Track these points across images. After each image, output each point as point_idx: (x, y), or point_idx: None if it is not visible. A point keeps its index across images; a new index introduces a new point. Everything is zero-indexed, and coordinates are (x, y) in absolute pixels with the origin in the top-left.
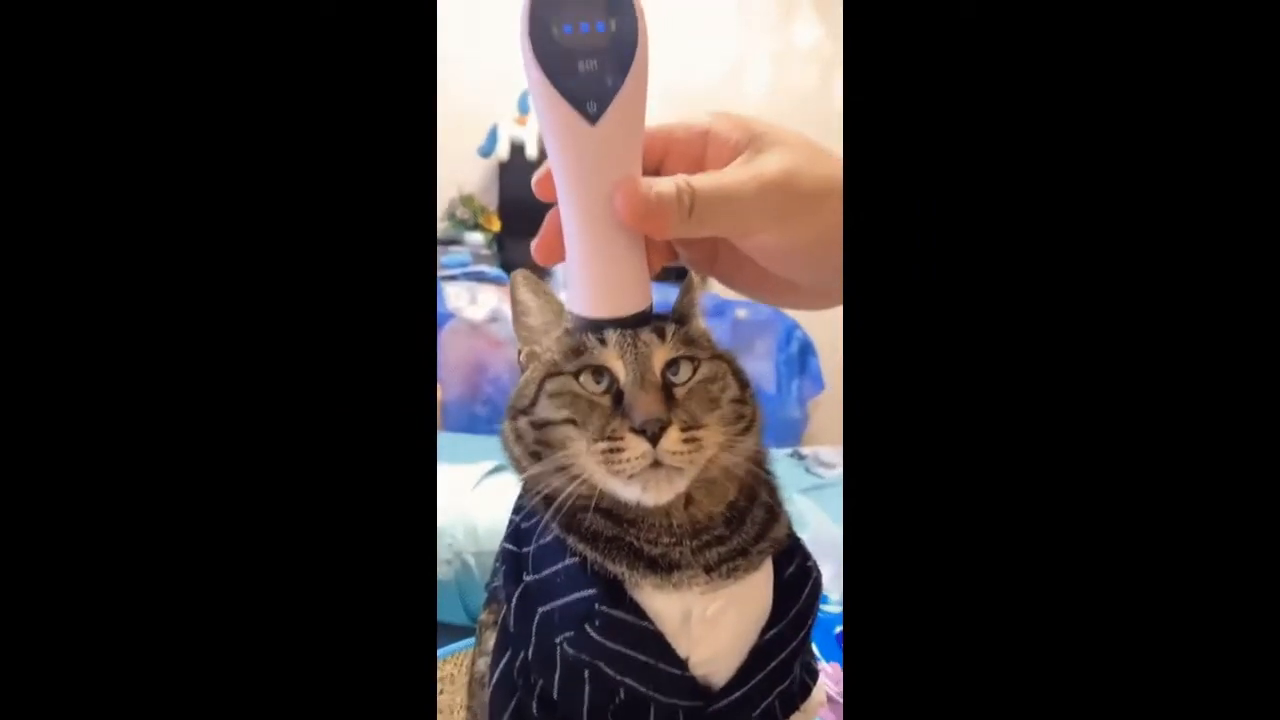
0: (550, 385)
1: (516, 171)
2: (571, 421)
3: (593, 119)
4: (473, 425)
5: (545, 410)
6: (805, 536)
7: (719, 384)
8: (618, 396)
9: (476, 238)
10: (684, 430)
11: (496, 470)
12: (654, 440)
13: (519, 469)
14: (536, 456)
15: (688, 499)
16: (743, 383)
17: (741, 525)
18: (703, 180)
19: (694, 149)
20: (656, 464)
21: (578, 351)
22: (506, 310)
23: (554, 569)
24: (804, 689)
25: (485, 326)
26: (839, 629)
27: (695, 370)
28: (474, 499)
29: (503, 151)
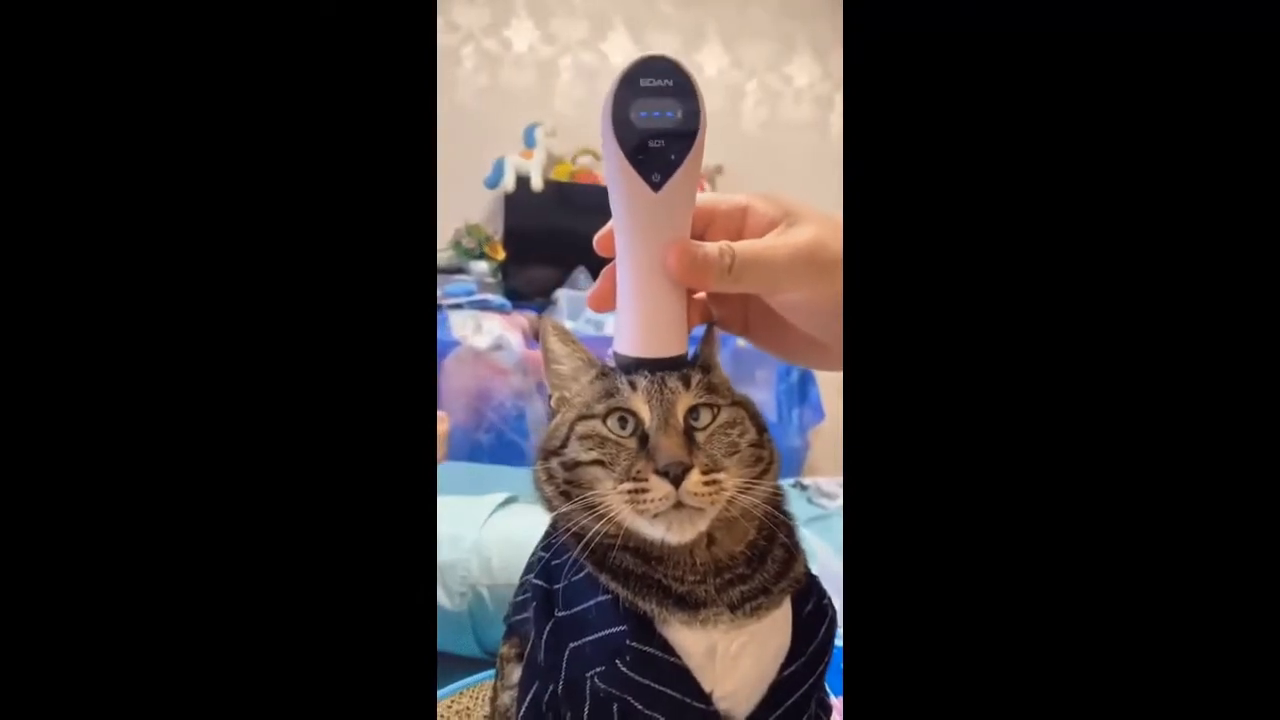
0: (580, 428)
1: (521, 202)
2: (600, 463)
3: (656, 187)
4: (475, 454)
5: (575, 451)
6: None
7: (738, 429)
8: (643, 439)
9: (481, 266)
10: (705, 473)
11: (508, 502)
12: (676, 482)
13: (550, 507)
14: (567, 496)
15: (710, 539)
16: (760, 426)
17: (763, 564)
18: (742, 245)
19: (734, 221)
20: (679, 505)
21: (608, 394)
22: (511, 338)
23: (586, 605)
24: (821, 708)
25: (489, 354)
26: None
27: (715, 416)
28: (487, 532)
29: (509, 183)
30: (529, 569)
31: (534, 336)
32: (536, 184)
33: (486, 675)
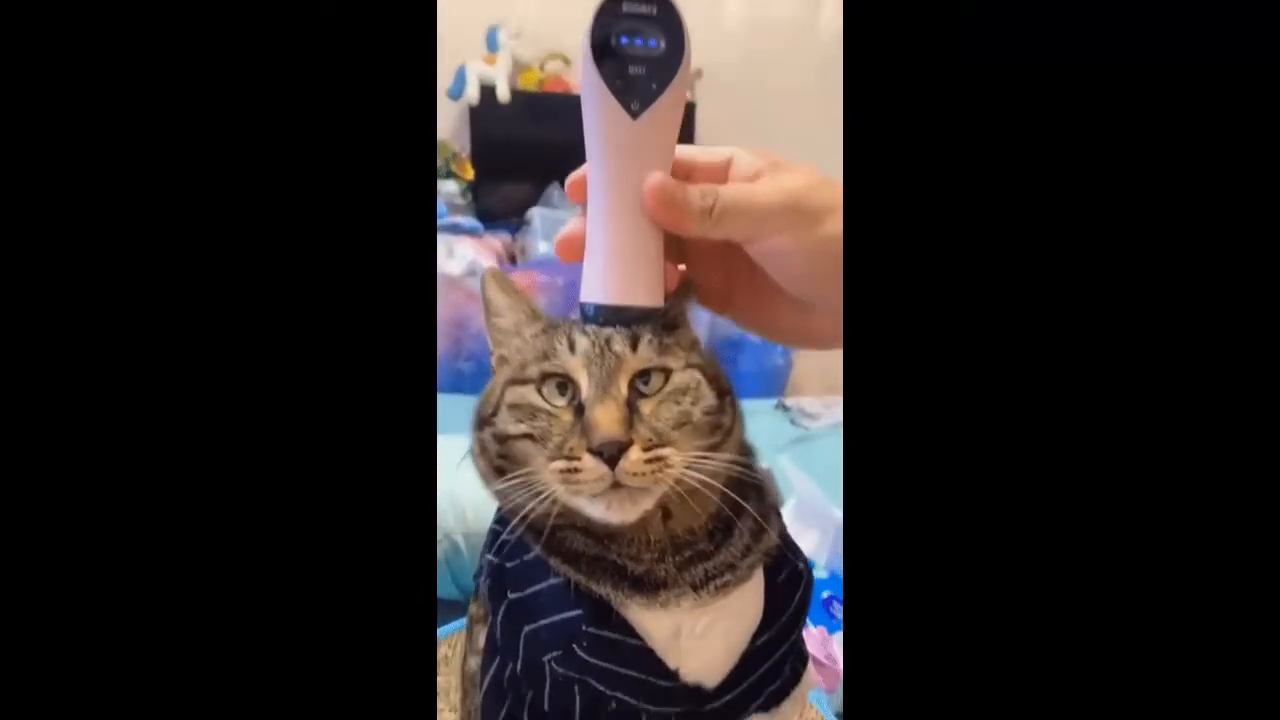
0: (510, 395)
1: (488, 115)
2: (530, 437)
3: (634, 115)
4: (458, 383)
5: (504, 422)
6: (790, 504)
7: (691, 395)
8: (579, 410)
9: (450, 187)
10: (647, 449)
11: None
12: (612, 462)
13: (486, 483)
14: (500, 472)
15: (665, 513)
16: (721, 390)
17: (728, 538)
18: (726, 187)
19: (716, 174)
20: (617, 484)
21: (545, 356)
22: (485, 264)
23: (537, 588)
24: (794, 677)
25: (463, 281)
26: (826, 594)
27: (666, 381)
28: (460, 479)
29: (472, 94)
30: (497, 522)
31: (509, 260)
32: (503, 94)
33: (460, 624)
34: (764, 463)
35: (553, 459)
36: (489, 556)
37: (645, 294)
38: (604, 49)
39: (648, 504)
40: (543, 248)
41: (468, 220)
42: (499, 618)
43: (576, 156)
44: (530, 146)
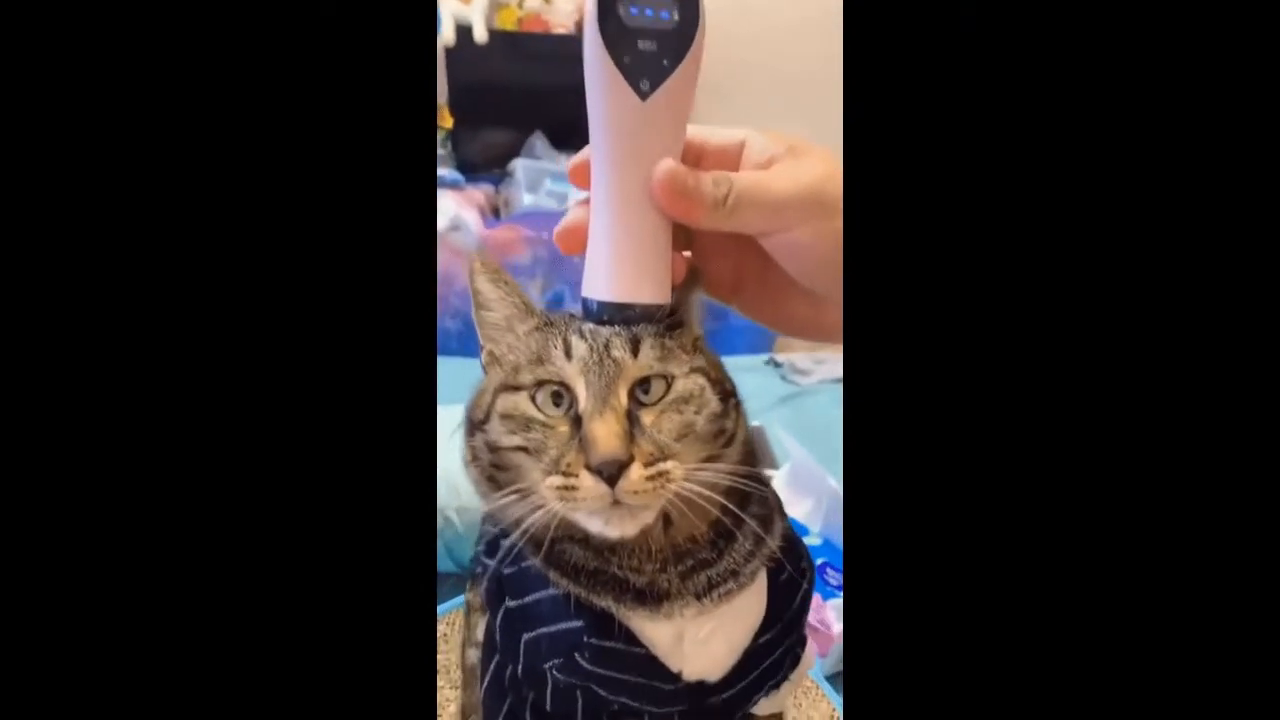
0: (502, 403)
1: (464, 58)
2: (524, 449)
3: (644, 96)
4: (445, 343)
5: (496, 432)
6: (784, 470)
7: (695, 403)
8: (576, 422)
9: None
10: (648, 465)
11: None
12: (612, 481)
13: (479, 493)
14: (494, 483)
15: (666, 520)
16: (725, 393)
17: (731, 544)
18: (741, 175)
19: (728, 158)
20: (618, 501)
21: (539, 360)
22: (467, 217)
23: (537, 597)
24: (794, 662)
25: (446, 236)
26: (820, 560)
27: (669, 388)
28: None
29: (447, 35)
30: (488, 522)
31: (491, 213)
32: (480, 35)
33: (459, 601)
34: (756, 421)
35: (549, 474)
36: (486, 560)
37: (652, 291)
38: (609, 19)
39: (648, 518)
40: (527, 200)
41: (449, 173)
42: (498, 621)
43: (559, 101)
44: (510, 90)
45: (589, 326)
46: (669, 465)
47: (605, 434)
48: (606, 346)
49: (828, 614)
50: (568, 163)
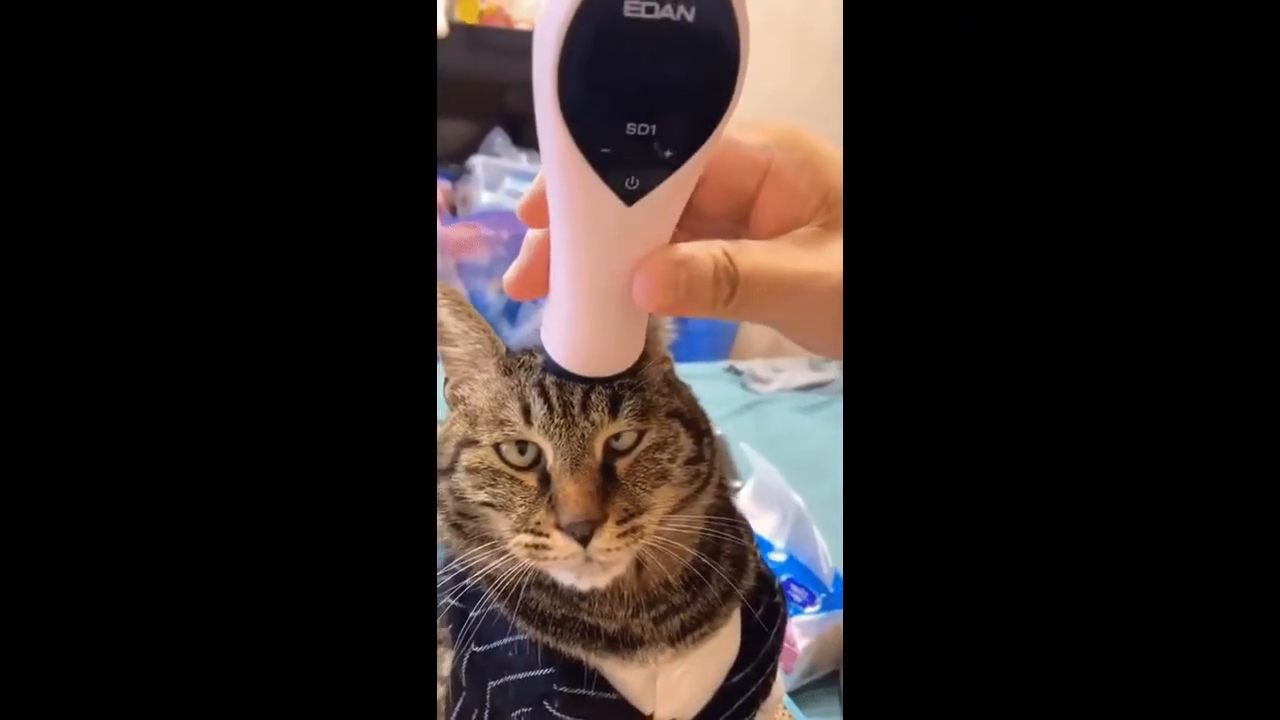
0: (467, 457)
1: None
2: (491, 505)
3: (629, 199)
4: None
5: (463, 483)
6: (749, 484)
7: (669, 450)
8: (544, 479)
9: None
10: (621, 523)
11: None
12: (584, 541)
13: (443, 540)
14: (459, 530)
15: (639, 565)
16: (699, 432)
17: (704, 586)
18: (749, 259)
19: (745, 182)
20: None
21: (501, 421)
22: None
23: (504, 643)
24: (765, 692)
25: None
26: (785, 577)
27: (641, 438)
28: None
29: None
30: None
31: (449, 211)
32: (441, 27)
33: None
34: (717, 431)
35: (517, 530)
36: (450, 600)
37: (624, 360)
38: (578, 84)
39: (620, 569)
40: (485, 198)
41: None
42: (462, 665)
43: (519, 96)
44: (470, 84)
45: (552, 381)
46: (642, 520)
47: (577, 494)
48: (583, 407)
49: (791, 630)
50: (519, 202)
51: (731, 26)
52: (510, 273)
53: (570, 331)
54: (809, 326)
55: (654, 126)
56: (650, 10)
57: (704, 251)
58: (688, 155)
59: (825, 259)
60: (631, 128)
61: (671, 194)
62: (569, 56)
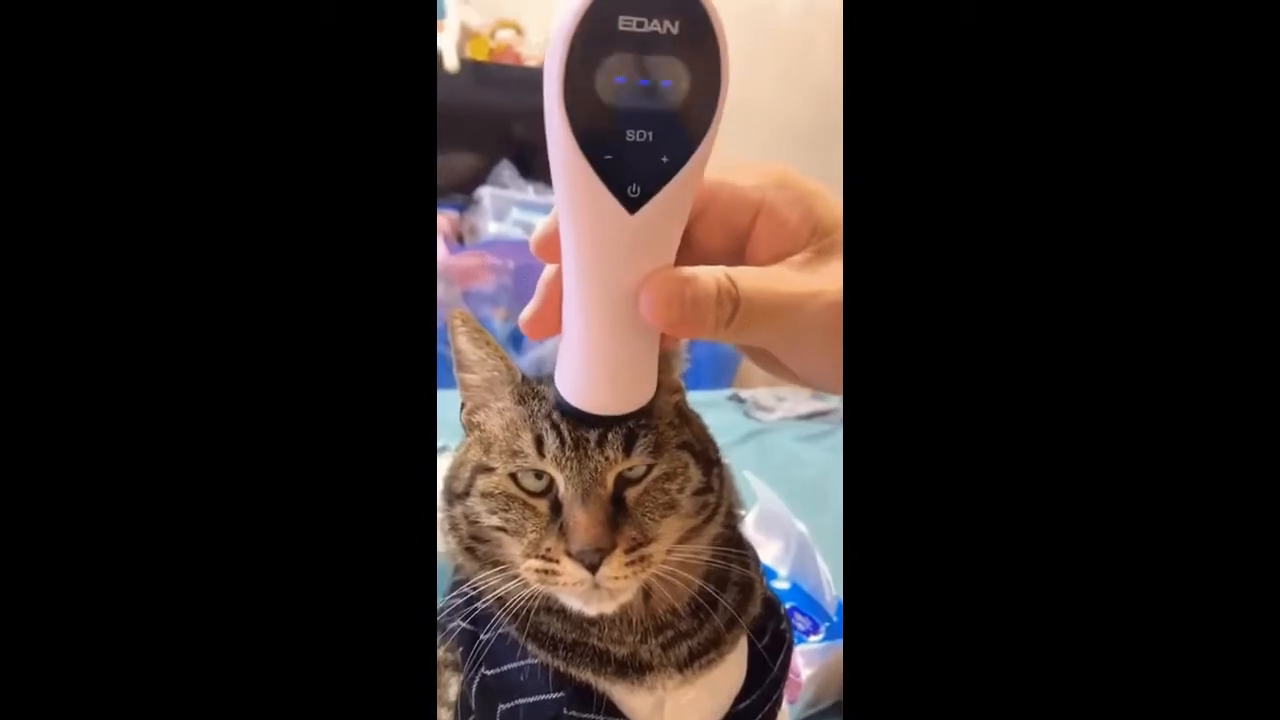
0: (482, 483)
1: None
2: (504, 529)
3: (633, 206)
4: None
5: (477, 507)
6: (753, 512)
7: (679, 480)
8: (556, 507)
9: None
10: (629, 552)
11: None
12: (593, 569)
13: (455, 564)
14: (472, 553)
15: (646, 593)
16: (709, 462)
17: (711, 615)
18: (750, 281)
19: (739, 218)
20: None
21: (515, 452)
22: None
23: (515, 666)
24: (771, 717)
25: None
26: (789, 605)
27: (651, 469)
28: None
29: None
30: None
31: (456, 239)
32: (451, 64)
33: None
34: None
35: (528, 556)
36: (461, 623)
37: (633, 400)
38: (583, 99)
39: (627, 596)
40: (493, 228)
41: None
42: (472, 690)
43: (526, 130)
44: (479, 118)
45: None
46: (651, 550)
47: (588, 523)
48: (599, 443)
49: (795, 659)
50: (532, 236)
51: (713, 38)
52: (526, 312)
53: (583, 361)
54: (805, 346)
55: (651, 133)
56: (640, 25)
57: (707, 273)
58: (684, 159)
59: (819, 279)
60: (631, 134)
61: (672, 202)
62: (572, 67)
